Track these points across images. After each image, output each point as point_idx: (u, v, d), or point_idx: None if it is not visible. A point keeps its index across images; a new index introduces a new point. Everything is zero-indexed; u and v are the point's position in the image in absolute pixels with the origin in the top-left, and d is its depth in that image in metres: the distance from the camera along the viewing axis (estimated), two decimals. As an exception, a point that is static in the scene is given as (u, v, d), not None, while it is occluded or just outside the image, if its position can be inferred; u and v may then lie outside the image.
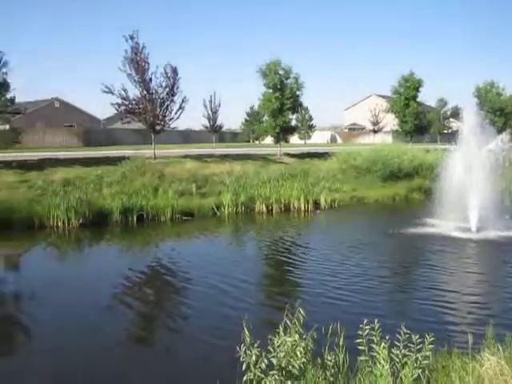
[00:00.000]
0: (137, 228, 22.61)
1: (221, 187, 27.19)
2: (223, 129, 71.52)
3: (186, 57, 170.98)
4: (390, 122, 57.73)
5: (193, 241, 20.52)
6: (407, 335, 5.65)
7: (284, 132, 38.84)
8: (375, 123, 79.76)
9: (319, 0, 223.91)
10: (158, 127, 33.93)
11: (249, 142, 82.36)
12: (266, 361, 5.31)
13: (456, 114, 72.07)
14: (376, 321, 5.79)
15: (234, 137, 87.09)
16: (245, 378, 5.28)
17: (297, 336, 5.51)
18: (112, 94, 32.57)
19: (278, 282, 14.48)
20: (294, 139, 69.26)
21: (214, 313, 11.17)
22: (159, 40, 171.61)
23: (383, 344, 5.67)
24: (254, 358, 5.28)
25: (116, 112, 35.90)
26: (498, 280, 13.83)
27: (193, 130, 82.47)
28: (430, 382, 5.76)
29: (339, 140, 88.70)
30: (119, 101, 33.02)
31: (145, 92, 32.90)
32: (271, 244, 18.99)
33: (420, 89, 48.33)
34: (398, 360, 5.64)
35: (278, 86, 36.28)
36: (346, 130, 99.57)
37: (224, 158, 35.05)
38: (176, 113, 34.13)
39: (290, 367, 5.40)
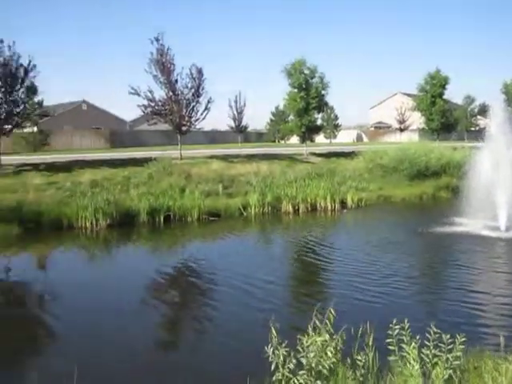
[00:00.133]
0: (164, 228, 22.70)
1: (247, 187, 27.17)
2: (248, 129, 71.63)
3: (211, 57, 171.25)
4: (417, 120, 57.30)
5: (219, 241, 20.53)
6: (437, 335, 5.59)
7: (310, 131, 38.78)
8: (401, 121, 79.28)
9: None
10: (184, 128, 34.12)
11: (274, 141, 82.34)
12: (294, 361, 5.29)
13: (483, 111, 71.43)
14: (406, 320, 5.75)
15: (259, 137, 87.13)
16: (274, 378, 5.27)
17: (327, 336, 5.48)
18: (138, 95, 32.92)
19: (305, 282, 14.40)
20: (320, 138, 69.10)
21: (241, 313, 11.17)
22: (184, 41, 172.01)
23: (413, 344, 5.62)
24: (281, 358, 5.26)
25: (142, 113, 36.15)
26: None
27: (218, 130, 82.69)
28: (461, 383, 5.70)
29: (365, 139, 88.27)
30: (145, 102, 33.32)
31: (171, 93, 33.12)
32: (298, 244, 18.95)
33: (446, 86, 47.87)
34: (428, 360, 5.59)
35: (304, 86, 36.25)
36: (372, 129, 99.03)
37: (250, 158, 35.09)
38: (202, 113, 34.36)
39: (320, 367, 5.37)
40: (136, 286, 13.87)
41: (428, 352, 5.56)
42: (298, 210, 26.04)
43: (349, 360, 5.94)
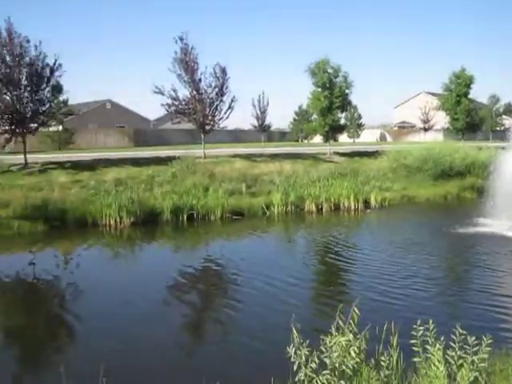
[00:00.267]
0: (187, 227, 22.79)
1: (270, 186, 27.17)
2: (272, 128, 71.65)
3: (235, 56, 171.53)
4: (441, 119, 56.87)
5: (243, 240, 20.59)
6: (462, 337, 5.55)
7: (333, 131, 38.73)
8: (425, 121, 78.70)
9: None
10: (207, 127, 34.26)
11: (297, 141, 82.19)
12: (316, 360, 5.29)
13: (509, 110, 70.82)
14: (431, 321, 5.71)
15: (282, 136, 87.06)
16: (297, 378, 5.27)
17: (351, 335, 5.47)
18: (162, 94, 33.14)
19: (327, 283, 14.33)
20: (343, 138, 68.94)
21: (263, 314, 11.15)
22: (208, 40, 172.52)
23: (438, 345, 5.58)
24: (303, 357, 5.26)
25: (166, 112, 36.42)
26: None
27: (241, 129, 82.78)
28: (487, 386, 5.65)
29: (388, 138, 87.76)
30: (169, 101, 33.52)
31: (194, 92, 33.28)
32: (321, 244, 18.92)
33: (472, 85, 47.44)
34: (453, 362, 5.54)
35: (327, 85, 36.17)
36: (396, 128, 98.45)
37: (273, 157, 35.09)
38: (225, 112, 34.45)
39: (344, 367, 5.36)
40: (159, 284, 13.93)
41: (453, 354, 5.52)
42: (322, 209, 25.99)
43: (373, 360, 5.92)
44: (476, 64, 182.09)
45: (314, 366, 5.22)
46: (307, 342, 5.20)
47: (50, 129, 41.68)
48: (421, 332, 5.65)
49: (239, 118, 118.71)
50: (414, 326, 5.59)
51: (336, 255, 16.74)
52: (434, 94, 71.79)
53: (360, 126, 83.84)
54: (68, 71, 39.96)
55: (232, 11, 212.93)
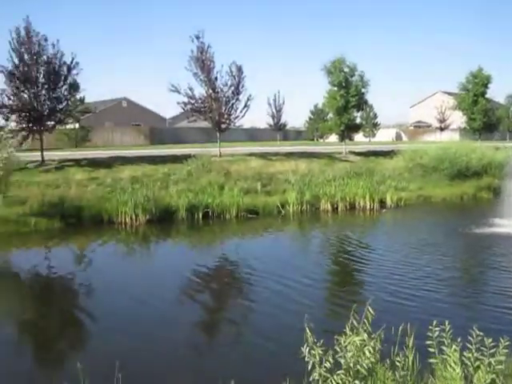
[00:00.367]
0: (202, 225, 22.83)
1: (286, 185, 27.18)
2: (287, 127, 71.60)
3: (250, 55, 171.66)
4: (457, 119, 56.54)
5: (257, 239, 20.60)
6: (479, 338, 5.51)
7: (349, 130, 38.61)
8: (441, 120, 78.22)
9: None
10: (223, 125, 34.29)
11: (313, 140, 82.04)
12: (331, 360, 5.28)
13: (526, 110, 69.96)
14: (447, 322, 5.68)
15: (297, 135, 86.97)
16: (311, 377, 5.27)
17: (365, 335, 5.46)
18: (179, 92, 33.22)
19: (341, 282, 14.25)
20: (359, 137, 68.74)
21: (277, 313, 11.12)
22: (224, 39, 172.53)
23: (454, 346, 5.56)
24: (317, 357, 5.26)
25: (181, 111, 36.54)
26: None
27: (257, 128, 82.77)
28: (504, 388, 5.61)
29: (404, 138, 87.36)
30: (185, 100, 33.60)
31: (210, 91, 33.33)
32: (335, 243, 18.88)
33: (489, 85, 47.17)
34: (470, 363, 5.51)
35: (343, 84, 36.13)
36: (412, 128, 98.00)
37: (289, 156, 35.09)
38: (241, 111, 34.44)
39: (358, 367, 5.35)
40: (174, 282, 13.99)
41: (470, 355, 5.48)
42: (337, 208, 25.95)
43: (388, 361, 5.90)
44: (493, 63, 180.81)
45: (328, 365, 5.22)
46: (321, 341, 5.20)
47: (67, 126, 41.90)
48: (437, 333, 5.63)
49: (254, 116, 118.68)
50: (430, 327, 5.56)
51: (350, 255, 16.69)
52: (450, 94, 71.32)
53: (376, 126, 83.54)
54: (85, 69, 40.12)
55: (244, 8, 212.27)
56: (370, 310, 5.56)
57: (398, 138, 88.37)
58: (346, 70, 36.33)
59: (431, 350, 5.61)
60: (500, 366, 5.44)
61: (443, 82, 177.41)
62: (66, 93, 30.40)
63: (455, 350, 5.52)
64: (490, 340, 5.43)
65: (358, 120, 43.10)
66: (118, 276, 14.96)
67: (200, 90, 33.87)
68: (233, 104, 33.99)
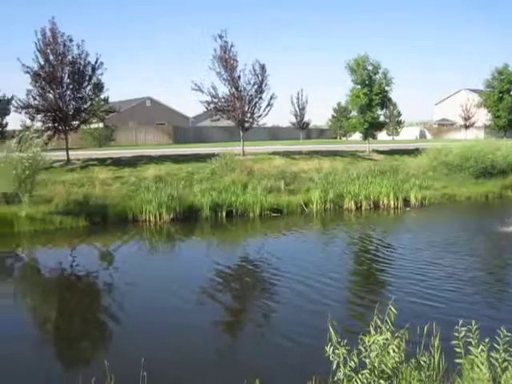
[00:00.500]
0: (226, 224, 22.92)
1: (309, 184, 27.15)
2: (310, 125, 71.41)
3: (273, 54, 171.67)
4: (482, 117, 55.96)
5: (281, 238, 20.57)
6: (507, 338, 5.45)
7: (372, 128, 38.37)
8: (466, 118, 77.44)
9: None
10: (246, 124, 34.28)
11: (335, 138, 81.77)
12: (355, 359, 5.27)
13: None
14: (473, 322, 5.63)
15: (320, 133, 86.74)
16: (336, 377, 5.27)
17: (389, 334, 5.43)
18: (202, 92, 33.27)
19: (365, 281, 14.18)
20: (382, 135, 68.32)
21: (300, 310, 11.18)
22: (247, 37, 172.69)
23: (481, 347, 5.50)
24: (342, 357, 5.25)
25: (204, 110, 36.58)
26: None
27: (280, 126, 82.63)
28: (533, 389, 5.55)
29: (428, 136, 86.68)
30: (209, 99, 33.66)
31: (233, 89, 33.32)
32: (360, 242, 18.83)
33: (514, 82, 46.61)
34: (497, 364, 5.45)
35: (367, 82, 35.94)
36: (436, 126, 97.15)
37: (312, 154, 35.02)
38: (264, 110, 34.39)
39: (383, 366, 5.33)
40: (197, 280, 14.05)
41: (497, 356, 5.43)
42: (361, 207, 25.87)
43: (413, 360, 5.87)
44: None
45: (352, 365, 5.21)
46: (345, 341, 5.20)
47: (91, 126, 42.25)
48: (463, 333, 5.57)
49: (276, 115, 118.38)
50: (456, 327, 5.51)
51: (373, 255, 16.62)
52: (475, 91, 70.63)
53: (399, 124, 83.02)
54: (109, 69, 40.42)
55: (266, 7, 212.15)
56: (393, 309, 5.54)
57: (422, 136, 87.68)
58: (370, 67, 36.13)
59: (457, 350, 5.55)
60: (529, 366, 5.38)
61: (468, 80, 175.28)
62: (90, 93, 30.64)
63: (482, 351, 5.46)
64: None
65: (382, 118, 42.76)
66: (142, 274, 15.04)
67: (223, 89, 33.94)
68: (256, 103, 33.94)
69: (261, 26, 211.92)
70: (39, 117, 29.11)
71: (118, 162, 30.24)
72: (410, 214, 25.23)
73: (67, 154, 30.33)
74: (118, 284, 13.96)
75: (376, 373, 5.25)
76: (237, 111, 33.33)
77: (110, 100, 42.78)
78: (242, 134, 34.88)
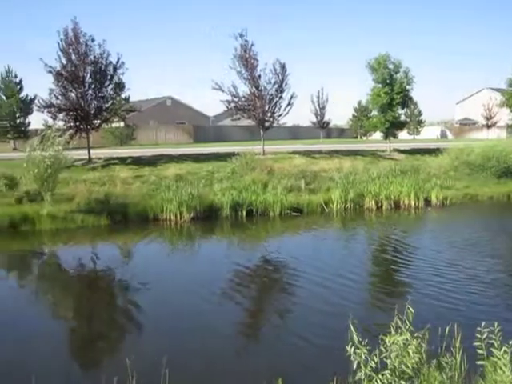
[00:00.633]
0: (246, 223, 22.94)
1: (329, 183, 27.08)
2: (330, 125, 71.15)
3: (294, 53, 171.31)
4: (505, 116, 55.43)
5: (301, 237, 20.52)
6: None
7: (393, 127, 38.20)
8: (488, 118, 76.73)
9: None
10: (266, 123, 34.28)
11: (356, 137, 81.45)
12: (375, 359, 5.25)
13: None
14: (496, 324, 5.57)
15: (341, 133, 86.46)
16: (357, 376, 5.25)
17: (408, 334, 5.41)
18: (222, 91, 33.34)
19: (384, 282, 14.04)
20: (403, 135, 67.92)
21: (319, 310, 11.14)
22: (267, 36, 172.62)
23: (504, 348, 5.44)
24: (363, 356, 5.23)
25: (225, 109, 36.67)
26: None
27: (300, 125, 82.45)
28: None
29: (450, 135, 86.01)
30: (229, 98, 33.73)
31: (254, 89, 33.35)
32: (380, 242, 18.76)
33: (539, 81, 46.11)
34: (520, 367, 5.39)
35: (388, 81, 35.85)
36: (457, 125, 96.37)
37: (332, 153, 34.96)
38: (285, 109, 34.39)
39: (403, 366, 5.31)
40: (217, 279, 14.05)
41: (520, 358, 5.37)
42: (381, 206, 25.75)
43: (435, 361, 5.83)
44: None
45: (373, 365, 5.19)
46: (365, 341, 5.18)
47: (113, 125, 42.54)
48: (485, 334, 5.52)
49: (296, 114, 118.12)
50: (478, 329, 5.46)
51: (393, 255, 16.50)
52: (497, 90, 69.97)
53: (420, 123, 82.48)
54: (131, 68, 40.68)
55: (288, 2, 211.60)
56: (411, 309, 5.51)
57: (444, 135, 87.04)
58: (391, 66, 36.00)
59: (480, 351, 5.50)
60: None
61: (490, 78, 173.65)
62: (111, 92, 30.90)
63: (505, 352, 5.41)
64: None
65: (403, 117, 42.53)
66: (163, 273, 15.12)
67: (244, 88, 34.02)
68: (276, 102, 33.96)
69: (281, 22, 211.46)
70: (61, 116, 29.41)
71: (138, 161, 30.43)
72: (432, 213, 25.07)
73: (89, 152, 30.58)
74: (139, 283, 14.01)
75: (397, 373, 5.23)
76: (257, 110, 33.37)
77: (131, 99, 43.02)
78: (262, 133, 34.89)
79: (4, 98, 45.45)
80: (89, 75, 29.69)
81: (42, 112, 29.62)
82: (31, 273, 16.23)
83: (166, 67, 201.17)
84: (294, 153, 34.46)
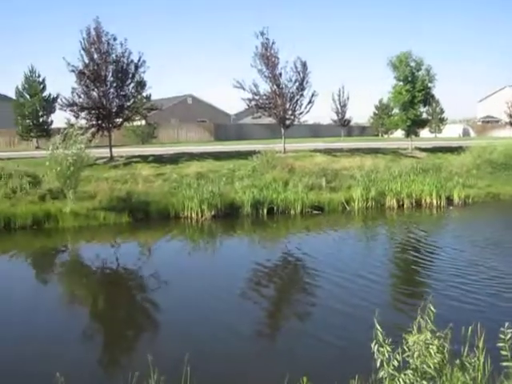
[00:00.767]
0: (267, 221, 22.96)
1: (351, 181, 27.01)
2: (351, 122, 70.91)
3: (314, 50, 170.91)
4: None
5: (322, 236, 20.48)
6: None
7: (415, 125, 37.95)
8: (511, 115, 75.90)
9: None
10: (287, 121, 34.28)
11: (377, 135, 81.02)
12: (399, 358, 5.24)
13: None
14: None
15: (362, 130, 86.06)
16: (379, 375, 5.23)
17: (429, 334, 5.38)
18: (243, 89, 33.39)
19: (405, 281, 13.99)
20: (424, 133, 67.43)
21: (339, 311, 11.11)
22: (288, 34, 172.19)
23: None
24: (386, 355, 5.21)
25: (246, 107, 36.71)
26: None
27: (320, 123, 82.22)
28: None
29: (472, 133, 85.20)
30: (250, 96, 33.77)
31: (275, 87, 33.37)
32: (401, 241, 18.64)
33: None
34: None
35: (409, 78, 35.54)
36: (480, 123, 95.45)
37: (353, 151, 34.85)
38: (305, 107, 34.36)
39: (425, 366, 5.28)
40: (238, 276, 14.15)
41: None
42: (403, 205, 25.62)
43: (457, 361, 5.79)
44: None
45: (396, 364, 5.18)
46: (389, 339, 5.16)
47: (134, 123, 42.78)
48: (509, 335, 5.46)
49: (317, 112, 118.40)
50: (502, 329, 5.41)
51: (414, 255, 16.34)
52: (520, 87, 69.29)
53: (442, 121, 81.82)
54: (151, 66, 40.92)
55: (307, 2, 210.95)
56: (432, 308, 5.48)
57: (466, 133, 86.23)
58: (412, 64, 35.74)
59: (503, 352, 5.44)
60: None
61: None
62: (133, 90, 31.08)
63: (531, 354, 5.34)
64: None
65: (424, 115, 42.18)
66: (184, 270, 15.23)
67: (264, 86, 34.03)
68: (297, 100, 33.95)
69: (302, 21, 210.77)
70: (83, 114, 29.65)
71: (160, 159, 30.59)
72: (454, 212, 24.89)
73: (110, 151, 30.76)
74: (160, 280, 14.13)
75: (419, 373, 5.21)
76: (278, 108, 33.39)
77: (152, 98, 43.21)
78: (283, 131, 34.90)
79: (28, 97, 45.81)
80: (111, 74, 29.91)
81: (65, 111, 29.95)
82: (54, 270, 16.35)
83: (186, 65, 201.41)
84: (315, 151, 34.41)
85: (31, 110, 45.06)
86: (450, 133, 79.60)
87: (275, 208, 23.74)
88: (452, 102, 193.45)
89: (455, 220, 23.92)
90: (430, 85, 36.23)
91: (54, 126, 46.25)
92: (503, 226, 21.26)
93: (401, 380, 5.10)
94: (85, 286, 14.25)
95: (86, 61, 29.21)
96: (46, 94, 46.42)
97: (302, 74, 33.55)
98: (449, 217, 24.51)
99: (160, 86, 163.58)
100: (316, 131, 73.66)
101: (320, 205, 24.41)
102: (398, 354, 5.13)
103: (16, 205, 21.67)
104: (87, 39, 29.04)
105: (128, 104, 31.01)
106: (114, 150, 31.39)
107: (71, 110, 29.52)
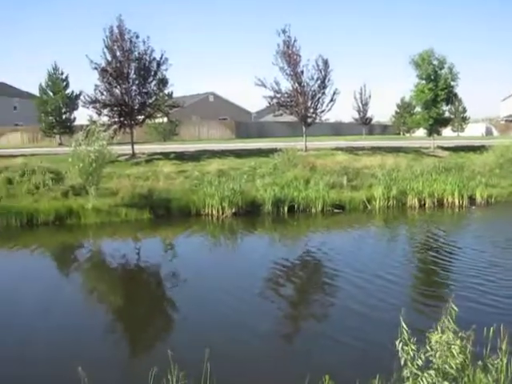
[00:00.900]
0: (288, 219, 22.95)
1: (372, 180, 26.89)
2: (373, 121, 70.68)
3: (336, 48, 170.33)
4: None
5: (343, 234, 20.46)
6: None
7: (437, 124, 37.68)
8: (535, 114, 75.17)
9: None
10: (309, 120, 34.25)
11: (399, 134, 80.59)
12: (423, 357, 5.22)
13: None
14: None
15: (383, 129, 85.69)
16: (403, 373, 5.22)
17: (451, 334, 5.35)
18: (265, 87, 33.42)
19: (425, 282, 13.78)
20: (446, 132, 66.95)
21: (360, 309, 11.08)
22: (310, 32, 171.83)
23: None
24: (410, 353, 5.19)
25: (267, 105, 36.73)
26: None
27: (342, 122, 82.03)
28: None
29: (495, 132, 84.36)
30: (271, 94, 33.76)
31: (296, 85, 33.35)
32: (421, 241, 18.45)
33: None
34: None
35: (432, 77, 35.28)
36: (503, 122, 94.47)
37: (375, 150, 34.71)
38: (327, 105, 34.28)
39: (446, 366, 5.26)
40: (258, 274, 14.14)
41: None
42: (424, 204, 25.45)
43: (480, 363, 5.75)
44: None
45: (420, 363, 5.16)
46: (414, 338, 5.15)
47: (156, 120, 43.07)
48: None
49: (339, 110, 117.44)
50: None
51: (435, 255, 16.16)
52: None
53: (465, 120, 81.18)
54: (174, 64, 41.06)
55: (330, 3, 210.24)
56: (454, 307, 5.45)
57: (489, 132, 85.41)
58: (435, 62, 35.46)
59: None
60: None
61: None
62: (155, 88, 31.27)
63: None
64: None
65: (447, 114, 41.89)
66: (205, 266, 15.26)
67: (286, 84, 34.03)
68: (319, 98, 33.88)
69: (322, 20, 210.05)
70: (106, 111, 29.92)
71: (181, 157, 30.73)
72: (476, 212, 24.66)
73: (132, 147, 30.97)
74: (180, 277, 14.22)
75: (441, 373, 5.19)
76: (300, 106, 33.37)
77: (174, 95, 43.40)
78: (304, 129, 34.87)
79: (51, 94, 46.26)
80: (133, 71, 30.14)
81: (87, 108, 30.23)
82: (76, 266, 16.47)
83: (208, 63, 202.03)
84: (337, 149, 34.34)
85: (54, 107, 45.54)
86: (473, 132, 78.92)
87: (296, 206, 23.73)
88: (475, 101, 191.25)
89: (477, 220, 23.69)
90: (452, 83, 35.94)
91: (76, 122, 46.74)
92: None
93: (424, 379, 5.09)
94: (105, 282, 14.38)
95: (109, 58, 29.49)
96: (69, 91, 46.89)
97: (323, 72, 33.50)
98: (471, 217, 24.29)
99: (182, 83, 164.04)
100: (337, 129, 73.45)
101: (341, 203, 24.36)
102: (422, 353, 5.12)
103: (39, 201, 21.94)
104: (110, 37, 29.30)
105: (150, 101, 31.24)
106: (135, 146, 31.60)
107: (94, 107, 29.81)
